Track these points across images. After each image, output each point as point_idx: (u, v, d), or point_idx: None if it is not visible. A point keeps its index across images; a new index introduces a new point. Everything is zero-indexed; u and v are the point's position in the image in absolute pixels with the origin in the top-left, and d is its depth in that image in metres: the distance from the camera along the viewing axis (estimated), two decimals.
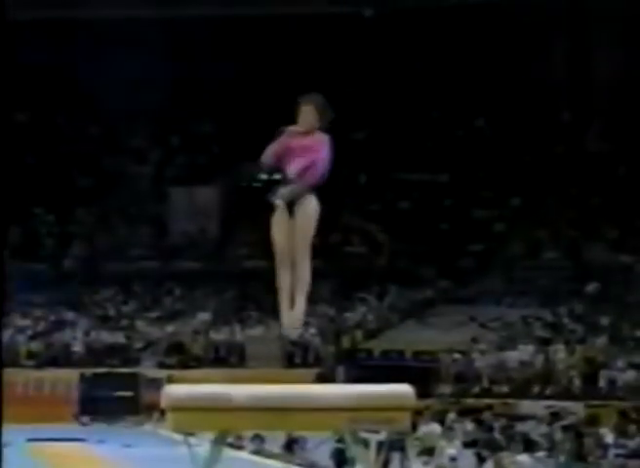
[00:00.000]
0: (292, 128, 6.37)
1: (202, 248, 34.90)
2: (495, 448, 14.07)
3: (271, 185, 6.67)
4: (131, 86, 33.14)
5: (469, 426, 18.62)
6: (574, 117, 35.86)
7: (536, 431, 16.60)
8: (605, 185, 33.29)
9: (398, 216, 34.28)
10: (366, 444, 8.41)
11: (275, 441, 18.61)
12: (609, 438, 16.03)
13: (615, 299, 29.91)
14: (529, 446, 18.37)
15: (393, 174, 35.41)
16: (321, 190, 6.39)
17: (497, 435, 16.66)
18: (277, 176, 6.71)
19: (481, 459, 13.67)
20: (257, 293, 31.36)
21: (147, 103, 33.89)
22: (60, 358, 29.73)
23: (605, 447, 14.42)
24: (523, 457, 13.67)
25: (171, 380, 23.29)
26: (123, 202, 35.09)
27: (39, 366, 29.10)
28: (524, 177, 34.11)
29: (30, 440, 21.82)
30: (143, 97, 33.52)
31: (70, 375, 28.87)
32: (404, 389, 6.51)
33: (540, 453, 13.73)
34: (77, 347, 30.09)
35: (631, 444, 15.95)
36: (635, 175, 32.81)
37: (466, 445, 15.11)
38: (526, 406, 25.51)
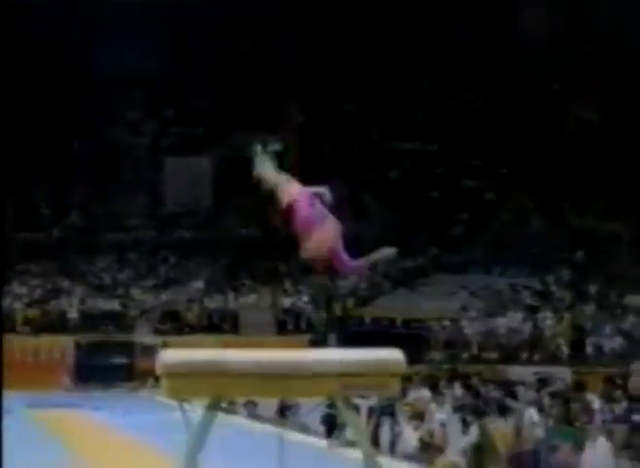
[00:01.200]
0: None
1: (196, 217, 34.90)
2: (482, 413, 14.08)
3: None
4: (128, 57, 32.98)
5: (459, 392, 18.65)
6: (562, 87, 35.76)
7: (524, 397, 16.60)
8: (593, 155, 33.28)
9: (389, 186, 34.25)
10: (357, 409, 8.43)
11: (268, 406, 18.65)
12: (595, 403, 16.07)
13: (602, 267, 29.97)
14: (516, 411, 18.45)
15: (384, 143, 35.36)
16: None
17: (484, 400, 16.71)
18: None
19: (468, 424, 13.71)
20: (250, 262, 31.40)
21: (143, 74, 33.73)
22: (56, 325, 29.74)
23: (591, 412, 14.45)
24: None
25: (165, 347, 23.35)
26: (119, 172, 35.02)
27: (35, 332, 29.11)
28: (513, 147, 34.07)
29: (29, 406, 21.87)
30: (140, 68, 33.36)
31: (66, 342, 28.90)
32: (394, 354, 6.52)
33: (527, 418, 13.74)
34: (73, 314, 30.11)
35: (617, 409, 16.00)
36: (622, 145, 32.80)
37: (456, 410, 15.13)
38: (514, 372, 25.61)
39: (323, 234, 6.15)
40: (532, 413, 13.80)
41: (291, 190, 6.41)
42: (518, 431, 13.01)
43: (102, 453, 15.10)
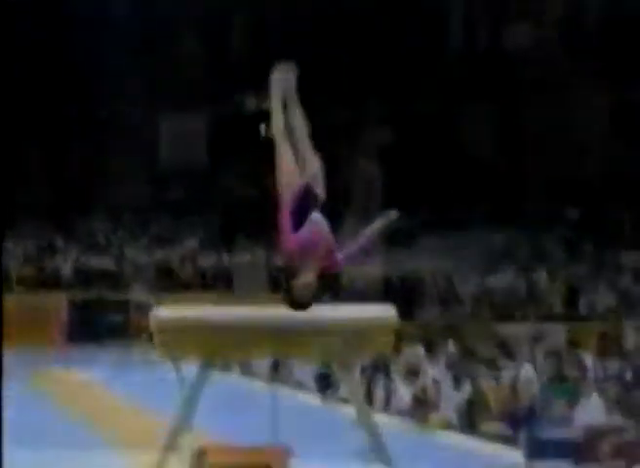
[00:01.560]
0: None
1: (191, 176, 34.74)
2: (475, 370, 14.12)
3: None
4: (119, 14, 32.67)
5: (452, 349, 18.66)
6: None
7: (518, 354, 16.64)
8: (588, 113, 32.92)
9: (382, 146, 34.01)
10: (350, 366, 8.39)
11: (262, 362, 18.65)
12: (588, 360, 16.12)
13: (597, 225, 29.92)
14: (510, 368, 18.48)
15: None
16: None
17: (478, 358, 16.72)
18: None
19: (461, 382, 13.74)
20: (245, 221, 31.33)
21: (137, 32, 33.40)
22: (50, 283, 29.69)
23: (585, 369, 14.50)
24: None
25: (159, 305, 23.35)
26: (114, 131, 34.77)
27: (30, 290, 29.04)
28: (501, 106, 33.64)
29: (22, 364, 21.86)
30: (132, 25, 33.03)
31: (60, 300, 28.85)
32: (387, 310, 6.49)
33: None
34: (67, 273, 30.07)
35: (610, 366, 16.04)
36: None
37: (449, 367, 15.16)
38: (508, 329, 25.65)
39: (308, 276, 5.63)
40: (526, 370, 13.82)
41: (285, 168, 6.01)
42: (513, 388, 13.03)
43: (96, 411, 15.09)
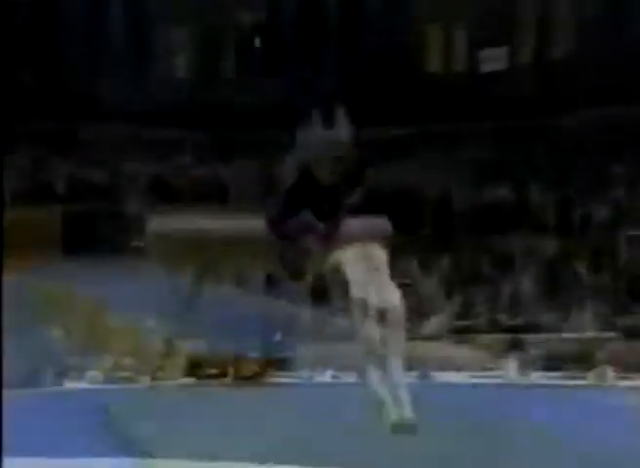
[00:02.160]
0: None
1: (186, 86, 34.20)
2: (467, 283, 14.23)
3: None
4: None
5: (446, 262, 18.80)
6: None
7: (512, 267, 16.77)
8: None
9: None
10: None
11: (257, 277, 18.71)
12: (582, 272, 16.24)
13: (590, 138, 29.69)
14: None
15: None
16: None
17: (472, 271, 16.87)
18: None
19: (453, 294, 13.85)
20: (241, 132, 31.05)
21: None
22: (45, 197, 29.50)
23: (578, 280, 14.63)
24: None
25: (154, 216, 23.29)
26: (108, 42, 34.09)
27: (25, 205, 28.83)
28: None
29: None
30: None
31: (55, 214, 28.70)
32: (382, 222, 6.46)
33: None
34: (61, 187, 29.89)
35: (601, 278, 16.19)
36: None
37: (442, 280, 15.27)
38: (503, 242, 25.68)
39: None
40: (521, 283, 13.92)
41: None
42: (510, 299, 13.12)
43: (91, 324, 15.17)
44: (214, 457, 7.73)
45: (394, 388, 5.96)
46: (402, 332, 6.07)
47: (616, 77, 26.57)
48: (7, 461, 7.56)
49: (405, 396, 5.95)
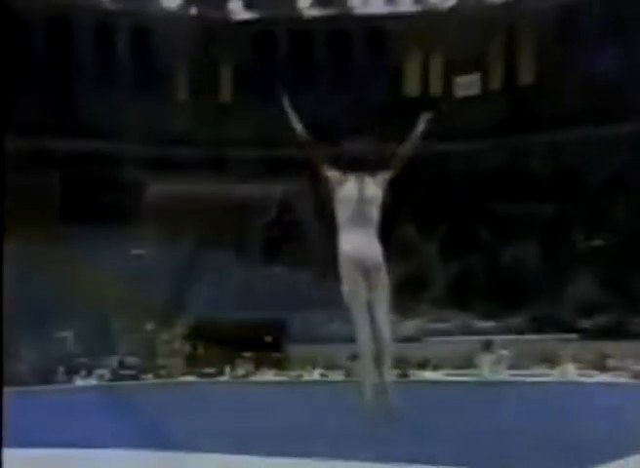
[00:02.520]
0: None
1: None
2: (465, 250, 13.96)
3: None
4: None
5: (445, 228, 18.64)
6: None
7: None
8: None
9: None
10: None
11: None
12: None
13: None
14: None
15: None
16: None
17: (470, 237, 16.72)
18: None
19: (452, 260, 13.56)
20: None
21: None
22: (42, 162, 28.14)
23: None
24: None
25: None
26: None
27: (20, 170, 27.80)
28: None
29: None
30: None
31: (54, 180, 27.67)
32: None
33: None
34: (60, 153, 28.42)
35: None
36: None
37: (441, 247, 15.04)
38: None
39: None
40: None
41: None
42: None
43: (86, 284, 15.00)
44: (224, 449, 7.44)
45: (381, 346, 6.15)
46: (386, 290, 6.10)
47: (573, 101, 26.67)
48: (27, 452, 7.60)
49: (388, 359, 6.14)
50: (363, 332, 6.15)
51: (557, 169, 26.95)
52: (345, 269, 6.05)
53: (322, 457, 6.82)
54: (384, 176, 6.13)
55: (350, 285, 6.03)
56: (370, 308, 6.10)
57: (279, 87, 6.36)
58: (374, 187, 6.10)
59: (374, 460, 6.63)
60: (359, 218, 6.05)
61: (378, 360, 6.20)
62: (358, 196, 6.03)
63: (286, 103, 6.14)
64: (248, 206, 27.58)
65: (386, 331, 6.17)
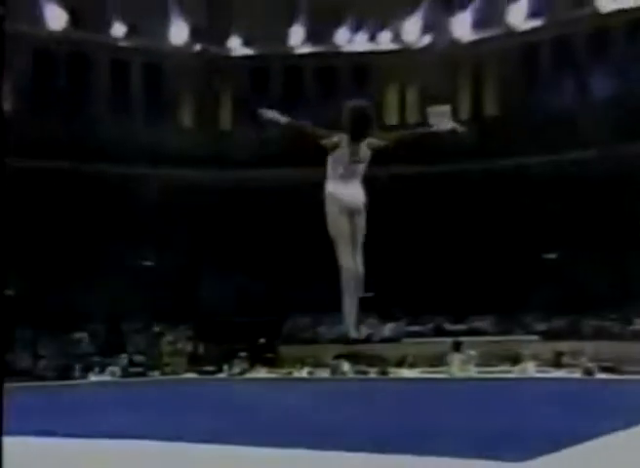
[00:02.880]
0: None
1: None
2: None
3: None
4: None
5: None
6: None
7: None
8: None
9: None
10: None
11: None
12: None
13: None
14: None
15: None
16: None
17: None
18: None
19: None
20: None
21: None
22: (60, 179, 27.04)
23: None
24: None
25: None
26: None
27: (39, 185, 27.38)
28: None
29: None
30: None
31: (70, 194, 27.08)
32: None
33: None
34: (77, 172, 26.77)
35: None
36: None
37: None
38: None
39: None
40: None
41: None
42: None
43: None
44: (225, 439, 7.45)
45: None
46: (362, 234, 6.18)
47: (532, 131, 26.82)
48: (50, 440, 7.54)
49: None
50: (348, 262, 6.18)
51: (518, 188, 27.10)
52: (330, 208, 6.11)
53: (307, 446, 6.79)
54: (378, 142, 6.16)
55: (334, 223, 6.08)
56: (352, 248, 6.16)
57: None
58: (365, 150, 6.12)
59: (356, 449, 6.57)
60: (347, 175, 6.13)
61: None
62: (350, 159, 6.06)
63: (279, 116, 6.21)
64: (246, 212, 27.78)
65: (362, 270, 6.25)
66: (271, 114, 6.22)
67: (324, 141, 6.10)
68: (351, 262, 6.15)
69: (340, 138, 6.07)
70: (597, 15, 25.83)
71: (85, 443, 7.52)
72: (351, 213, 6.08)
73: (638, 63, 26.21)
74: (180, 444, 7.26)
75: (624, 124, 25.37)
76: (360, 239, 6.21)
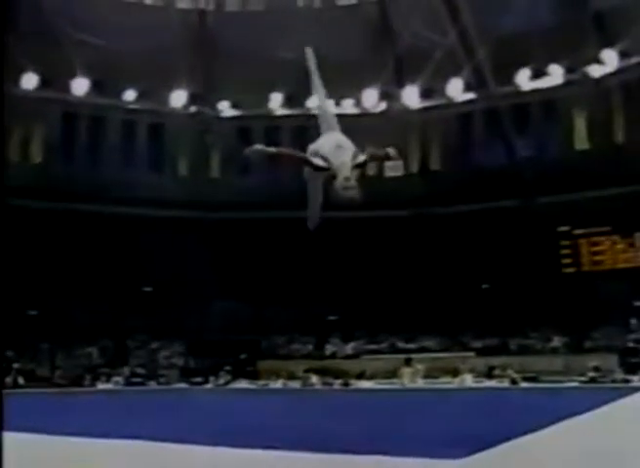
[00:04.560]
0: None
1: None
2: None
3: None
4: None
5: None
6: None
7: None
8: None
9: None
10: None
11: None
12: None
13: None
14: None
15: None
16: None
17: None
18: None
19: None
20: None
21: None
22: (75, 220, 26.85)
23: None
24: None
25: None
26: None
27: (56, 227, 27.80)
28: None
29: None
30: None
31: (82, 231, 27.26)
32: None
33: None
34: (90, 214, 28.33)
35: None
36: None
37: None
38: None
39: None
40: None
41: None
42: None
43: None
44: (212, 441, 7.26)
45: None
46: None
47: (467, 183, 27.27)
48: (55, 438, 7.30)
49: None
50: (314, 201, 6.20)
51: (458, 230, 27.34)
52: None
53: (281, 448, 6.69)
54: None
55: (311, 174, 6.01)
56: None
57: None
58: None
59: (327, 449, 6.42)
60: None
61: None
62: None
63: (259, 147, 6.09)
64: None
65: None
66: (259, 147, 6.03)
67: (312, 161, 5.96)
68: (316, 201, 6.20)
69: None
70: (519, 92, 26.60)
71: (86, 441, 7.32)
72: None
73: (551, 131, 27.02)
74: (169, 445, 7.04)
75: (542, 179, 25.92)
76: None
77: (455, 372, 22.24)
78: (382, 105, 28.79)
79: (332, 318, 25.63)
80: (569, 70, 25.61)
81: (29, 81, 25.54)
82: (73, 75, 26.66)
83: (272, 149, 6.06)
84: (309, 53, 6.41)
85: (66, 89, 26.81)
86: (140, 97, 28.33)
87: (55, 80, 26.18)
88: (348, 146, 5.98)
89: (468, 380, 21.43)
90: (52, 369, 23.98)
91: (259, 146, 6.08)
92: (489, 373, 22.10)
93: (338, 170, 5.80)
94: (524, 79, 26.19)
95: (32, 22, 24.22)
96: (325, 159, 5.96)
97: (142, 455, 6.65)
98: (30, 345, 23.74)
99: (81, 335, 24.67)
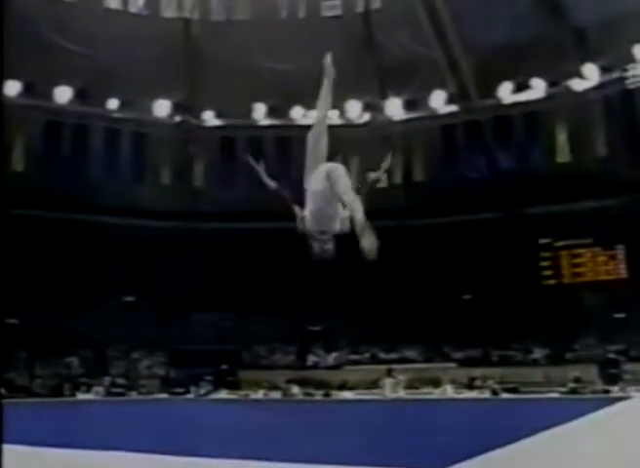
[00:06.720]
0: None
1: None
2: None
3: None
4: None
5: None
6: None
7: None
8: None
9: None
10: None
11: None
12: None
13: None
14: None
15: None
16: None
17: None
18: None
19: None
20: None
21: None
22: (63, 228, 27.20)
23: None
24: None
25: None
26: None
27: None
28: None
29: None
30: None
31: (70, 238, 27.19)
32: None
33: None
34: (77, 222, 28.34)
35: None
36: None
37: None
38: None
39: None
40: None
41: None
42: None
43: None
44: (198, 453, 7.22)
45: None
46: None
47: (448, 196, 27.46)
48: (32, 449, 7.18)
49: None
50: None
51: (440, 241, 27.52)
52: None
53: (262, 459, 6.66)
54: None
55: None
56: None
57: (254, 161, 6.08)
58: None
59: (308, 460, 6.37)
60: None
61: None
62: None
63: (260, 171, 6.00)
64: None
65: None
66: (265, 178, 5.99)
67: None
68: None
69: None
70: (501, 104, 26.85)
71: (65, 452, 7.25)
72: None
73: (533, 143, 27.30)
74: (150, 455, 6.96)
75: (523, 192, 26.14)
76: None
77: (436, 383, 22.32)
78: (366, 117, 28.94)
79: (314, 328, 25.65)
80: (551, 84, 25.94)
81: (12, 88, 25.47)
82: (57, 83, 26.61)
83: (273, 185, 6.03)
84: (328, 58, 6.12)
85: (49, 96, 26.73)
86: (124, 105, 28.28)
87: (38, 87, 26.11)
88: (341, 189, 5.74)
89: (449, 391, 21.48)
90: (31, 378, 23.74)
91: (265, 176, 6.05)
92: (470, 384, 22.18)
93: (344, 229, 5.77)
94: (506, 92, 26.48)
95: (15, 29, 24.18)
96: (323, 232, 5.75)
97: (123, 466, 6.60)
98: (9, 354, 23.55)
99: (61, 345, 24.44)
